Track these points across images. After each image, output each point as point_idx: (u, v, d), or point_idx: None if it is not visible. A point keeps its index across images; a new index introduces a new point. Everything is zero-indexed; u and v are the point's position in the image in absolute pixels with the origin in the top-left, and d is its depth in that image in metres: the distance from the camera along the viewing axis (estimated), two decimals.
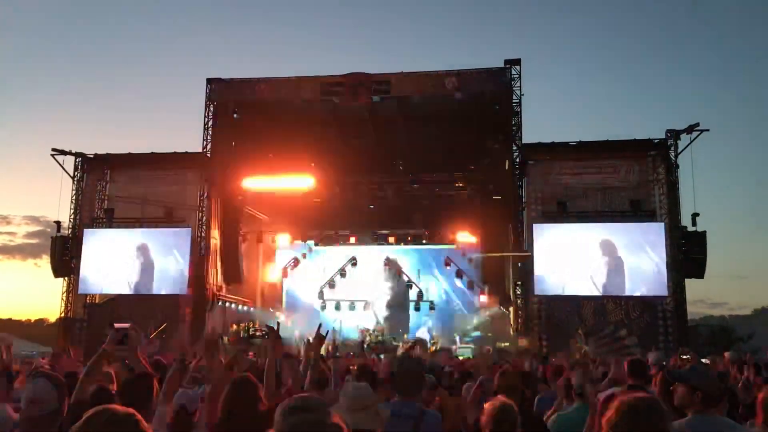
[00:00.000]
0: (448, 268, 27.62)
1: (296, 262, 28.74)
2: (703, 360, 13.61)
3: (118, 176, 24.58)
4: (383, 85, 22.87)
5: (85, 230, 23.74)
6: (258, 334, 22.99)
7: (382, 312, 27.21)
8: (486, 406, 3.47)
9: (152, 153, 24.59)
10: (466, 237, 26.23)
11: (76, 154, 24.43)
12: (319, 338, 4.61)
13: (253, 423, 3.48)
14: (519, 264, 21.78)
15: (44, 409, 3.17)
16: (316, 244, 28.73)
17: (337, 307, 27.15)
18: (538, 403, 5.69)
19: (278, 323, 5.01)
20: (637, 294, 20.89)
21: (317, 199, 26.69)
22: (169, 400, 4.17)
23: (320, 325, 4.66)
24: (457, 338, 24.96)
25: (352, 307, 27.35)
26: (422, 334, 25.37)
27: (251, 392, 3.61)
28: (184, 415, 4.33)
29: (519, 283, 21.76)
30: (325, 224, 27.67)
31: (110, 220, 23.96)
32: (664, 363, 11.32)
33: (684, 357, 10.80)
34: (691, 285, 21.47)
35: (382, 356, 17.61)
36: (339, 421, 1.93)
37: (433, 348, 23.73)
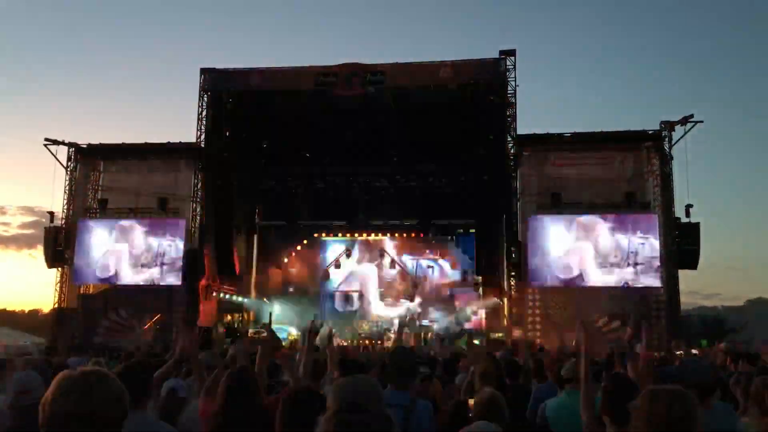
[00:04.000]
0: (442, 258, 27.68)
1: (291, 253, 28.73)
2: (693, 351, 13.70)
3: (111, 166, 24.46)
4: (377, 75, 22.78)
5: (79, 220, 23.66)
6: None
7: (376, 302, 27.27)
8: (474, 398, 3.48)
9: (146, 143, 24.49)
10: (460, 228, 26.26)
11: (69, 144, 24.30)
12: (314, 331, 4.61)
13: (250, 415, 3.47)
14: (513, 255, 21.79)
15: (33, 397, 3.16)
16: (311, 235, 28.69)
17: (331, 298, 27.19)
18: (535, 394, 5.71)
19: (270, 314, 5.01)
20: (631, 285, 20.94)
21: (311, 189, 26.68)
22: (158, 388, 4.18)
23: (315, 317, 4.67)
24: (452, 328, 25.05)
25: (346, 297, 27.39)
26: (414, 323, 25.45)
27: (249, 384, 3.60)
28: (173, 397, 4.34)
29: (513, 273, 21.79)
30: (319, 215, 27.63)
31: (104, 210, 23.84)
32: (656, 354, 11.38)
33: (678, 353, 10.85)
34: (685, 276, 21.57)
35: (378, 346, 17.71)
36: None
37: (429, 335, 23.88)
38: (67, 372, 1.91)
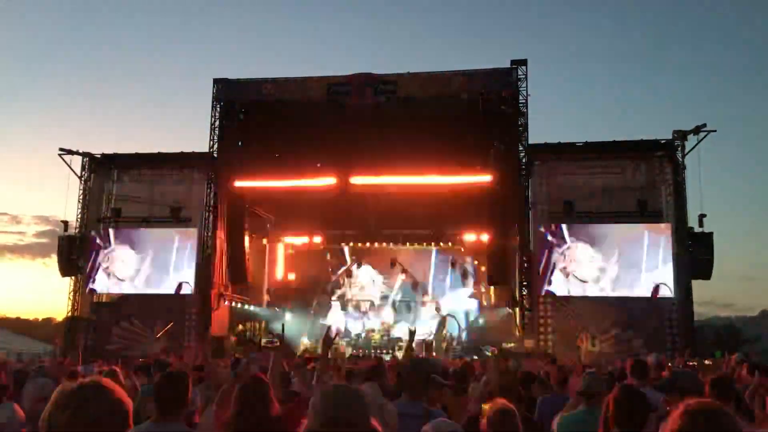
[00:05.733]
0: (453, 268, 27.58)
1: (303, 261, 28.74)
2: (706, 361, 13.55)
3: (124, 176, 24.66)
4: (389, 85, 22.86)
5: (93, 230, 23.83)
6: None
7: (387, 312, 27.21)
8: (486, 408, 3.46)
9: (159, 153, 24.67)
10: (472, 237, 26.18)
11: (84, 154, 24.52)
12: (328, 342, 4.62)
13: (264, 424, 3.48)
14: (525, 264, 21.72)
15: None
16: (323, 244, 28.67)
17: (343, 307, 27.16)
18: (541, 405, 5.66)
19: (283, 326, 5.02)
20: (644, 295, 20.81)
21: (323, 199, 26.69)
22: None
23: (329, 329, 4.67)
24: (464, 338, 24.94)
25: (357, 306, 27.35)
26: (428, 333, 25.34)
27: (263, 393, 3.61)
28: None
29: (525, 283, 21.70)
30: (330, 224, 27.64)
31: (117, 219, 24.03)
32: (670, 364, 11.29)
33: (690, 363, 10.72)
34: (698, 286, 21.39)
35: (388, 356, 17.68)
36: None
37: (444, 345, 23.84)
38: (64, 385, 1.92)
